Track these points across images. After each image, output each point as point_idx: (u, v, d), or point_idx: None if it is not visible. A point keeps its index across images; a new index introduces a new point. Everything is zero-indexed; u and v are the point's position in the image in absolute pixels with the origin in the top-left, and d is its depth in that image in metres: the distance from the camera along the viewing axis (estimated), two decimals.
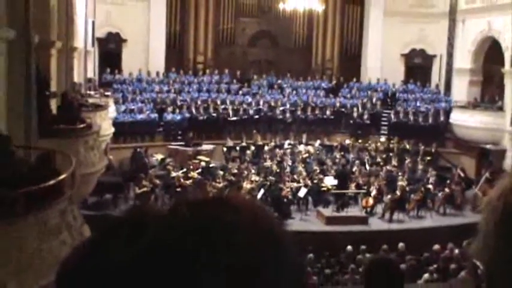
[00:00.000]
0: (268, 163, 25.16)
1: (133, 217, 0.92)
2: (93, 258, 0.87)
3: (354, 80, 32.63)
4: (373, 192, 22.52)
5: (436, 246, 17.57)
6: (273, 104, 29.98)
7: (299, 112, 29.80)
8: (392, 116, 30.13)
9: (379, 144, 28.39)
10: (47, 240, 9.06)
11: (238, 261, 0.84)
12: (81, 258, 0.89)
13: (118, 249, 0.85)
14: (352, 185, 23.09)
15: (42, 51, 16.25)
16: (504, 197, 1.09)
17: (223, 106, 29.24)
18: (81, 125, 15.58)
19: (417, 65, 33.24)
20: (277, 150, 26.84)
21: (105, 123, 21.05)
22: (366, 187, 23.04)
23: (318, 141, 28.15)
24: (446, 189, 23.01)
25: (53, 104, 16.50)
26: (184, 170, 23.45)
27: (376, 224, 21.26)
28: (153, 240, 0.85)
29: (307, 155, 26.61)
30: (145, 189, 21.25)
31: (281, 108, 29.73)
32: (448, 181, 23.90)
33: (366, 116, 30.08)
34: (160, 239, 0.85)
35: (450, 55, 31.63)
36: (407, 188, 22.54)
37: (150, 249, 0.84)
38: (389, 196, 22.08)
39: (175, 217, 0.89)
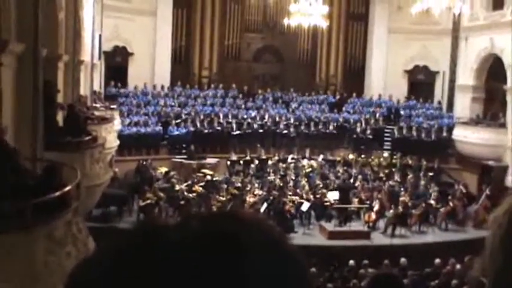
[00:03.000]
0: (271, 177, 25.23)
1: (143, 232, 0.91)
2: (102, 271, 0.87)
3: (354, 95, 32.69)
4: (376, 207, 22.53)
5: (438, 261, 17.48)
6: (277, 118, 30.07)
7: (303, 127, 29.87)
8: (396, 132, 30.16)
9: (381, 159, 28.46)
10: (54, 252, 8.98)
11: (252, 275, 0.85)
12: (92, 270, 0.88)
13: (127, 265, 0.85)
14: (355, 200, 23.12)
15: (50, 64, 16.21)
16: (509, 213, 1.11)
17: (227, 120, 29.32)
18: (87, 138, 15.51)
19: (420, 81, 33.27)
20: (281, 164, 26.92)
21: (110, 136, 20.97)
22: (368, 202, 23.08)
23: (321, 156, 28.20)
24: (449, 205, 23.01)
25: (59, 117, 16.51)
26: (189, 183, 23.48)
27: (378, 238, 21.27)
28: (165, 254, 0.85)
29: (310, 169, 26.63)
30: (149, 201, 21.28)
31: (285, 122, 29.82)
32: (450, 197, 23.86)
33: (368, 132, 30.13)
34: (174, 252, 0.85)
35: (453, 72, 31.66)
36: (409, 204, 22.54)
37: (162, 265, 0.84)
38: (391, 211, 22.09)
39: (186, 231, 0.88)
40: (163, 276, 0.83)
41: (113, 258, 0.87)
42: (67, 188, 9.91)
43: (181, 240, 0.86)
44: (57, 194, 9.40)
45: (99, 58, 27.32)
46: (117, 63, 30.82)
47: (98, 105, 25.10)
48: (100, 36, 26.75)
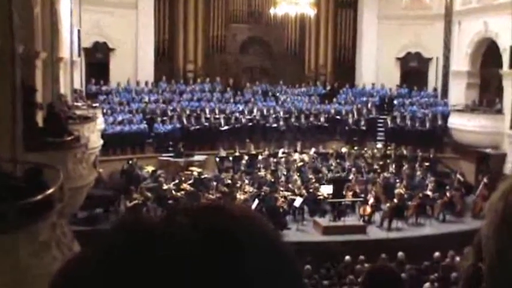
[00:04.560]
0: (262, 173, 24.92)
1: (128, 230, 0.87)
2: (87, 271, 0.84)
3: (347, 86, 32.29)
4: (371, 200, 22.24)
5: (437, 255, 17.40)
6: (266, 112, 29.70)
7: (293, 120, 29.50)
8: (389, 122, 29.79)
9: (375, 150, 28.14)
10: (38, 256, 8.99)
11: (241, 271, 0.82)
12: (76, 271, 0.86)
13: (113, 264, 0.82)
14: (349, 193, 22.80)
15: (27, 62, 15.88)
16: (505, 198, 1.08)
17: (214, 115, 28.94)
18: (69, 138, 15.38)
19: (413, 69, 32.87)
20: (272, 159, 26.61)
21: (93, 135, 20.88)
22: (363, 195, 22.78)
23: (313, 149, 27.84)
24: (446, 196, 22.75)
25: (39, 116, 16.15)
26: (176, 181, 23.20)
27: (374, 232, 21.01)
28: (148, 253, 0.82)
29: (302, 163, 26.29)
30: (136, 202, 20.95)
31: (274, 116, 29.39)
32: (447, 187, 23.62)
33: (361, 122, 29.78)
34: (163, 249, 0.82)
35: (446, 58, 31.22)
36: (405, 195, 22.24)
37: (144, 264, 0.81)
38: (387, 204, 21.82)
39: (172, 227, 0.85)
40: (150, 275, 0.81)
41: (99, 257, 0.85)
42: (50, 190, 9.95)
43: (168, 238, 0.83)
44: (41, 196, 9.44)
45: (79, 55, 26.84)
46: (98, 59, 30.17)
47: (79, 104, 24.74)
48: (79, 31, 26.26)
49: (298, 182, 23.44)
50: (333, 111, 30.27)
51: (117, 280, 0.81)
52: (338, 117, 30.09)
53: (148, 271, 0.81)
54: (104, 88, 29.31)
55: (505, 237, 1.06)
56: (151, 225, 0.87)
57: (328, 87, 32.26)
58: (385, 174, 25.18)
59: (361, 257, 17.39)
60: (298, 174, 24.77)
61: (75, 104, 24.11)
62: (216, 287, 0.81)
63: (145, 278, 0.80)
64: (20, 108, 13.05)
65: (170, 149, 27.15)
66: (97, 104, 26.23)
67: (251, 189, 22.94)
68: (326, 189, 22.85)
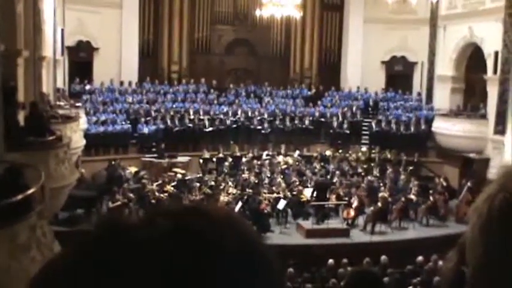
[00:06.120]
0: (246, 175, 24.73)
1: (107, 232, 0.86)
2: (65, 275, 0.83)
3: (333, 88, 32.17)
4: (355, 204, 22.13)
5: (420, 258, 17.33)
6: (250, 114, 29.54)
7: (277, 122, 29.37)
8: (374, 125, 29.75)
9: (360, 154, 28.10)
10: (16, 257, 8.92)
11: (221, 269, 0.82)
12: (52, 275, 0.85)
13: (91, 267, 0.81)
14: (333, 196, 22.64)
15: (8, 61, 15.78)
16: (489, 202, 1.08)
17: (198, 116, 28.73)
18: (51, 137, 15.26)
19: (398, 73, 32.88)
20: (255, 161, 26.42)
21: (76, 135, 20.70)
22: (346, 198, 22.61)
23: (297, 152, 27.73)
24: (430, 200, 22.70)
25: (21, 116, 15.92)
26: (159, 183, 22.96)
27: (357, 236, 20.91)
28: (131, 255, 0.82)
29: (286, 166, 26.19)
30: (119, 203, 20.75)
31: (259, 118, 29.27)
32: (430, 191, 23.54)
33: (346, 126, 29.66)
34: (141, 252, 0.82)
35: (431, 62, 31.27)
36: (389, 199, 22.11)
37: (118, 268, 0.81)
38: (371, 208, 21.75)
39: (149, 230, 0.84)
40: (128, 278, 0.81)
41: (77, 260, 0.84)
42: (31, 190, 9.89)
43: (148, 240, 0.83)
44: (20, 196, 9.36)
45: (62, 54, 26.55)
46: (81, 58, 29.81)
47: (62, 103, 24.49)
48: (62, 30, 25.97)
49: (282, 185, 23.24)
50: (317, 114, 30.16)
51: (93, 284, 0.80)
52: (323, 119, 29.99)
53: (121, 275, 0.80)
54: (87, 87, 29.00)
55: (491, 238, 1.05)
56: (127, 228, 0.86)
57: (313, 90, 32.17)
58: (369, 177, 25.10)
59: (344, 260, 17.26)
60: (282, 176, 24.59)
61: (58, 103, 23.88)
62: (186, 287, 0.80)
63: (118, 282, 0.80)
64: (1, 107, 12.92)
65: (153, 149, 26.96)
66: (80, 104, 25.98)
67: (234, 191, 22.78)
68: (310, 192, 22.73)
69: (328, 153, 27.81)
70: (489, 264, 1.05)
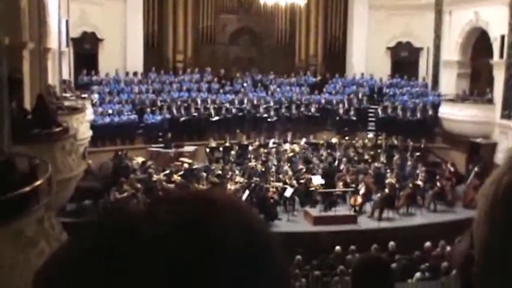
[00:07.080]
0: (252, 163, 24.74)
1: (110, 226, 0.87)
2: (70, 269, 0.83)
3: (337, 75, 32.06)
4: (362, 190, 22.10)
5: (428, 244, 17.42)
6: (256, 102, 29.49)
7: (283, 110, 29.31)
8: (380, 112, 29.68)
9: (366, 140, 28.01)
10: (24, 251, 8.83)
11: (224, 266, 0.82)
12: (59, 268, 0.84)
13: (95, 263, 0.81)
14: (340, 183, 22.68)
15: (14, 53, 15.68)
16: (496, 184, 1.08)
17: (205, 106, 28.71)
18: (57, 129, 15.18)
19: (404, 59, 32.68)
20: (262, 149, 26.39)
21: (82, 126, 20.75)
22: (354, 185, 22.61)
23: (304, 140, 27.68)
24: (437, 185, 22.62)
25: (28, 108, 15.92)
26: (167, 172, 22.98)
27: (365, 223, 20.87)
28: (136, 250, 0.81)
29: (292, 153, 26.14)
30: (126, 194, 20.70)
31: (265, 106, 29.19)
32: (438, 177, 23.48)
33: (352, 112, 29.58)
34: (146, 248, 0.81)
35: (437, 47, 31.09)
36: (396, 185, 22.12)
37: (132, 261, 0.81)
38: (378, 194, 21.70)
39: (157, 223, 0.84)
40: (132, 275, 0.80)
41: (81, 255, 0.83)
42: (38, 182, 9.84)
43: (154, 236, 0.82)
44: (28, 189, 9.32)
45: (67, 45, 26.40)
46: (86, 50, 29.80)
47: (68, 94, 24.52)
48: (67, 22, 25.83)
49: (289, 173, 23.25)
50: (323, 101, 30.10)
51: (96, 280, 0.81)
52: (329, 107, 29.92)
53: (127, 271, 0.80)
54: (94, 78, 28.99)
55: (495, 219, 1.06)
56: (134, 221, 0.86)
57: (319, 77, 32.08)
58: (376, 164, 25.06)
59: (352, 247, 17.33)
60: (288, 164, 24.60)
61: (64, 94, 23.86)
62: (190, 284, 0.81)
63: (124, 278, 0.80)
64: (7, 100, 12.85)
65: (160, 139, 26.97)
66: (85, 95, 25.94)
67: (241, 179, 22.75)
68: (317, 180, 22.68)
69: (334, 140, 27.77)
70: (493, 244, 1.05)
